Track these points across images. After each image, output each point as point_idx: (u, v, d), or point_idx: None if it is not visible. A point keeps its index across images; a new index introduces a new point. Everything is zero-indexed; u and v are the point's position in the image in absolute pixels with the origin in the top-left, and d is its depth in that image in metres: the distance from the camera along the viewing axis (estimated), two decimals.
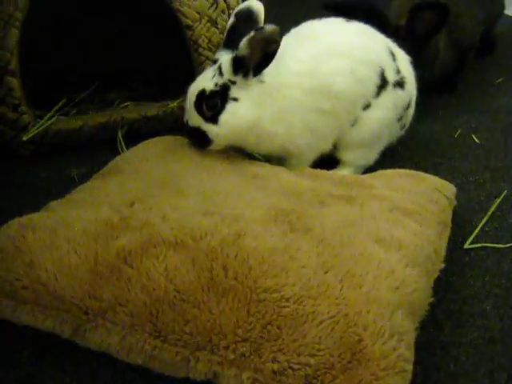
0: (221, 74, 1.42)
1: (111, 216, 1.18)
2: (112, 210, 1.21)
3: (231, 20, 1.49)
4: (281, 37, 1.35)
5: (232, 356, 0.95)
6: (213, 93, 1.41)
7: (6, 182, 1.77)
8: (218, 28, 1.87)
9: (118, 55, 2.19)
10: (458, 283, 1.28)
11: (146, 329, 1.00)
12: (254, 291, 0.99)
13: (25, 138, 1.79)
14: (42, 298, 1.06)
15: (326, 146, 1.57)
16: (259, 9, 1.48)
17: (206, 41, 1.85)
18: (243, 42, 1.34)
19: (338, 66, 1.47)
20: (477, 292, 1.26)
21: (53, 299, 1.05)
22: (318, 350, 0.91)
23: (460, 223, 1.47)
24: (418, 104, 1.74)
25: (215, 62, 1.46)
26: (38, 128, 1.80)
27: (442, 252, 1.24)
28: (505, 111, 2.14)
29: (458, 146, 1.91)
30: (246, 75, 1.40)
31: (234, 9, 1.87)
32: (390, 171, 1.49)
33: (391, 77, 1.57)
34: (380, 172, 1.51)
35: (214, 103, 1.41)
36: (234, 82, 1.41)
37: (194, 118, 1.46)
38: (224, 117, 1.42)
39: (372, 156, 1.67)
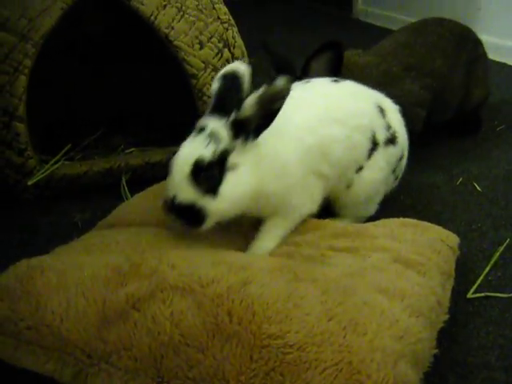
0: (217, 140, 1.27)
1: (122, 262, 1.18)
2: (123, 257, 1.21)
3: (216, 84, 1.37)
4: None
5: None
6: (212, 162, 1.26)
7: (10, 226, 1.78)
8: None
9: (123, 100, 2.22)
10: (461, 334, 1.28)
11: (149, 373, 1.00)
12: (258, 337, 0.98)
13: (30, 183, 1.81)
14: (45, 339, 1.06)
15: (315, 207, 1.51)
16: (245, 72, 1.38)
17: (211, 88, 1.88)
18: (250, 101, 1.24)
19: (334, 133, 1.46)
20: (481, 343, 1.25)
21: (56, 341, 1.05)
22: None
23: (463, 272, 1.47)
24: (418, 153, 1.76)
25: (202, 129, 1.30)
26: (43, 173, 1.82)
27: (446, 303, 1.24)
28: (506, 159, 2.16)
29: (460, 194, 1.92)
30: (246, 138, 1.29)
31: (238, 58, 1.92)
32: (393, 220, 1.50)
33: (382, 137, 1.57)
34: (383, 221, 1.51)
35: (213, 174, 1.27)
36: (232, 148, 1.29)
37: (186, 193, 1.26)
38: (225, 188, 1.27)
39: (371, 208, 1.68)
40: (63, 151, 1.97)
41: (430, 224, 1.48)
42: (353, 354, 0.95)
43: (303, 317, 1.02)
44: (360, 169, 1.56)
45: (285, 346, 0.97)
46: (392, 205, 1.79)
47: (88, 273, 1.15)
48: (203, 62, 1.86)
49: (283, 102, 1.25)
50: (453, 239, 1.45)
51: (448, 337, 1.24)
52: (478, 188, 1.95)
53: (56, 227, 1.75)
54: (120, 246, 1.30)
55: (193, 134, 1.31)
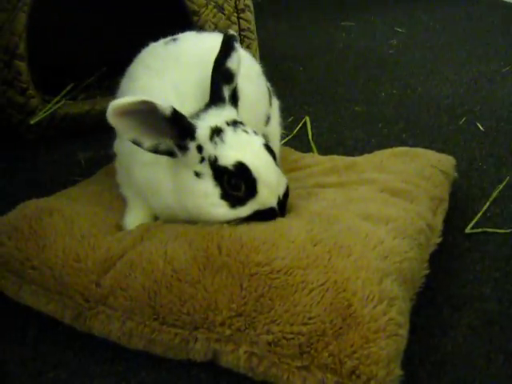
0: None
1: None
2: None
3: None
4: None
5: (228, 332, 0.98)
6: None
7: (14, 166, 1.80)
8: (224, 14, 1.88)
9: (124, 42, 2.19)
10: (458, 267, 1.29)
11: (145, 312, 1.03)
12: (246, 266, 1.01)
13: (32, 122, 1.82)
14: (47, 281, 1.10)
15: None
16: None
17: (213, 26, 1.86)
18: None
19: None
20: (476, 276, 1.27)
21: (57, 284, 1.10)
22: (310, 318, 0.94)
23: (462, 209, 1.48)
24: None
25: (234, 123, 1.13)
26: (45, 112, 1.82)
27: (438, 226, 1.26)
28: (510, 100, 2.13)
29: (463, 133, 1.91)
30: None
31: None
32: (385, 151, 1.52)
33: None
34: (375, 153, 1.53)
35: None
36: None
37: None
38: None
39: None
40: (65, 90, 1.98)
41: (421, 150, 1.49)
42: (338, 274, 0.98)
43: (289, 244, 1.04)
44: None
45: (272, 271, 1.00)
46: (393, 144, 1.78)
47: (93, 222, 1.19)
48: None
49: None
50: (446, 163, 1.46)
51: (444, 270, 1.26)
52: (480, 128, 1.94)
53: (59, 166, 1.76)
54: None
55: (234, 130, 1.12)
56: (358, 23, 3.25)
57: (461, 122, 1.99)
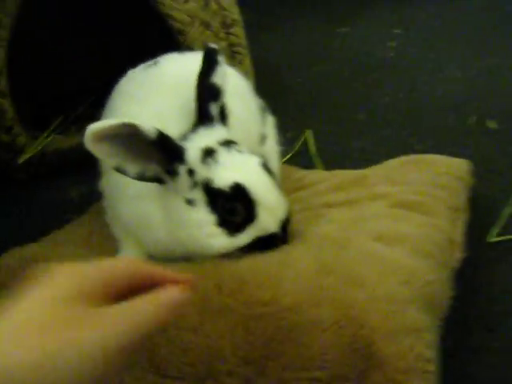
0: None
1: None
2: None
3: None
4: None
5: (237, 382, 0.86)
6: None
7: (5, 207, 1.73)
8: (212, 31, 1.80)
9: (111, 68, 2.13)
10: (485, 282, 1.19)
11: (144, 365, 0.92)
12: (250, 306, 0.90)
13: (21, 161, 1.75)
14: None
15: None
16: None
17: (201, 45, 1.77)
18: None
19: None
20: (506, 289, 1.15)
21: None
22: (326, 362, 0.82)
23: (482, 215, 1.38)
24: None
25: (227, 143, 1.03)
26: (34, 149, 1.76)
27: (459, 239, 1.14)
28: None
29: (474, 133, 1.81)
30: None
31: (227, 9, 1.80)
32: (392, 161, 1.42)
33: None
34: (383, 164, 1.44)
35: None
36: None
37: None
38: None
39: None
40: (54, 124, 1.92)
41: (434, 156, 1.39)
42: (354, 309, 0.85)
43: (296, 278, 0.92)
44: None
45: (279, 311, 0.88)
46: (402, 152, 1.68)
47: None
48: (190, 17, 1.75)
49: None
50: (460, 167, 1.36)
51: (469, 286, 1.15)
52: (492, 126, 1.83)
53: (52, 205, 1.70)
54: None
55: (228, 150, 1.02)
56: (353, 28, 3.16)
57: (471, 122, 1.89)
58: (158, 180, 1.00)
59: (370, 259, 0.95)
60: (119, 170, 0.96)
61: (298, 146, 1.89)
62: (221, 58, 1.08)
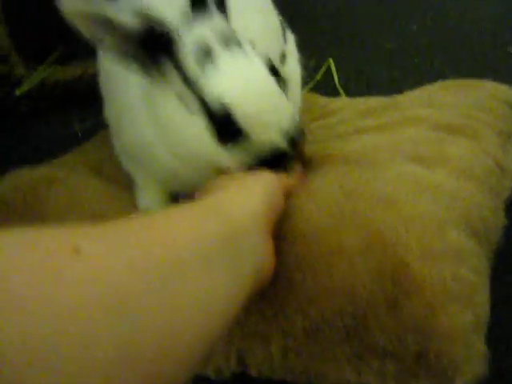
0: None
1: None
2: None
3: None
4: None
5: (255, 319, 0.77)
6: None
7: (7, 141, 1.65)
8: None
9: None
10: None
11: None
12: None
13: (18, 92, 1.64)
14: None
15: None
16: None
17: None
18: None
19: None
20: None
21: None
22: (353, 290, 0.71)
23: None
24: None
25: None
26: (34, 79, 1.64)
27: (510, 167, 1.00)
28: None
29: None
30: None
31: None
32: (429, 86, 1.31)
33: None
34: (419, 89, 1.32)
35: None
36: None
37: None
38: None
39: None
40: (54, 55, 1.78)
41: (476, 81, 1.26)
42: (384, 231, 0.73)
43: (319, 203, 0.80)
44: None
45: (300, 236, 0.77)
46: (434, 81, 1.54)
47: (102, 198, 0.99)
48: None
49: None
50: (508, 93, 1.22)
51: None
52: None
53: (55, 141, 1.59)
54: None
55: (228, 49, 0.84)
56: None
57: (511, 50, 1.73)
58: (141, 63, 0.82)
59: (405, 179, 0.83)
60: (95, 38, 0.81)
61: (319, 75, 1.75)
62: None
